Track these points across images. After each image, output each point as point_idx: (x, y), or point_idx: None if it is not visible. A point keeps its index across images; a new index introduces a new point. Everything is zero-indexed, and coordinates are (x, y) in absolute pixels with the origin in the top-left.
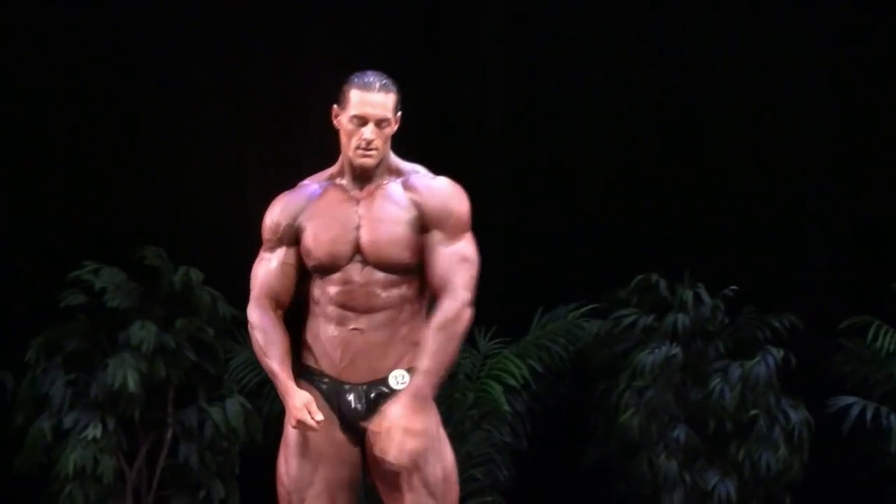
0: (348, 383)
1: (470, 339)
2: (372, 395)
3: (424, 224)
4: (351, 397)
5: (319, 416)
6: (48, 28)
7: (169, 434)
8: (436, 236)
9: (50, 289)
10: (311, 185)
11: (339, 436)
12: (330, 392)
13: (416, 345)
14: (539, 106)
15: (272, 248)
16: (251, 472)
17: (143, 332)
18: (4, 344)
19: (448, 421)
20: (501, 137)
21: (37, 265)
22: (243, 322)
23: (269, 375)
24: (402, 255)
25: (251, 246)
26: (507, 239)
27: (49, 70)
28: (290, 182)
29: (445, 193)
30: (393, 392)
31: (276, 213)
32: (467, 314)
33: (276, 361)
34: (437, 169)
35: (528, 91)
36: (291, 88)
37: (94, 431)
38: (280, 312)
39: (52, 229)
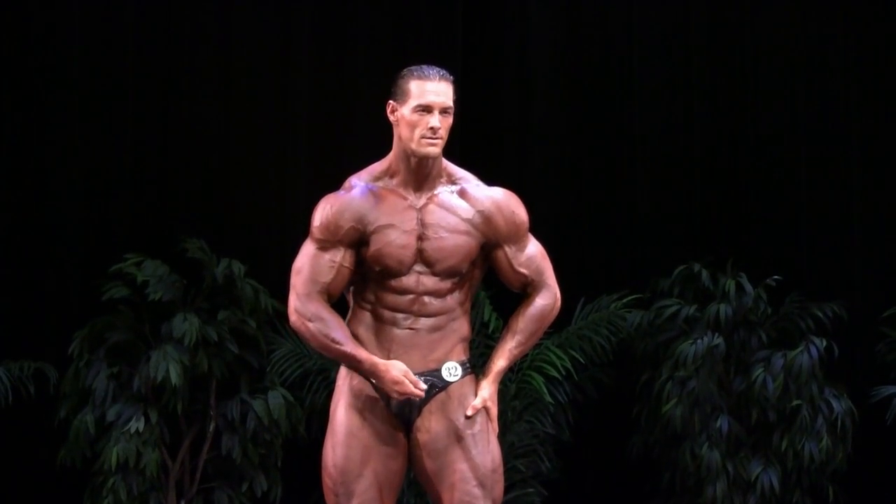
0: None
1: None
2: (423, 387)
3: (491, 239)
4: None
5: (423, 385)
6: (101, 28)
7: (211, 427)
8: (510, 249)
9: (93, 282)
10: (362, 185)
11: (388, 427)
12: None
13: (465, 339)
14: (583, 95)
15: (327, 248)
16: (294, 464)
17: (186, 325)
18: (48, 337)
19: None
20: (545, 129)
21: (80, 258)
22: (286, 315)
23: (345, 361)
24: (462, 264)
25: (293, 238)
26: (549, 229)
27: (98, 66)
28: (330, 175)
29: (509, 208)
30: (445, 383)
31: (335, 214)
32: (558, 305)
33: (349, 345)
34: (483, 161)
35: (572, 81)
36: (334, 84)
37: (137, 424)
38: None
39: (95, 223)
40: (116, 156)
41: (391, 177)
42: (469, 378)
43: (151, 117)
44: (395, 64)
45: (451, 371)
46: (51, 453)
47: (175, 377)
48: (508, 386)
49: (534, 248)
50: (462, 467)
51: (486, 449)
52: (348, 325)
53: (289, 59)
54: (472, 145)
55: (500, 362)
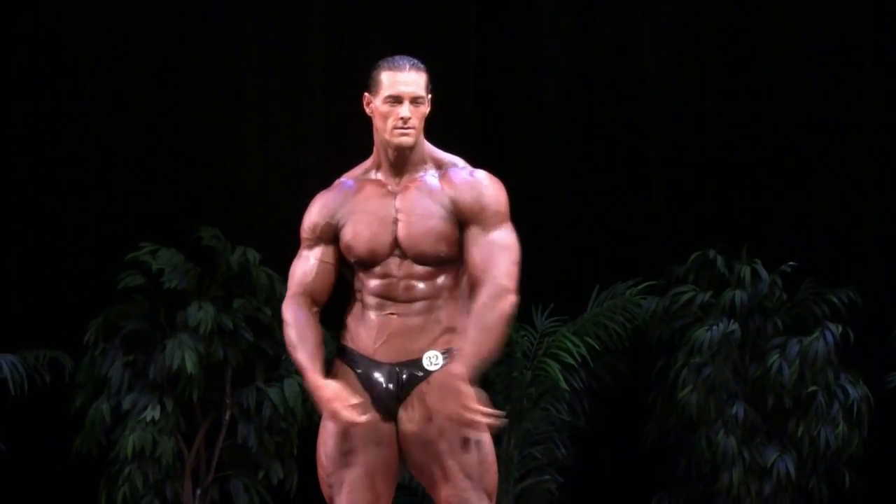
0: (381, 363)
1: (527, 317)
2: (404, 376)
3: (461, 219)
4: (383, 377)
5: (354, 401)
6: (115, 18)
7: (227, 415)
8: (473, 230)
9: (108, 270)
10: (347, 181)
11: (373, 416)
12: (363, 372)
13: (451, 329)
14: (596, 82)
15: (310, 247)
16: (310, 452)
17: (201, 313)
18: (63, 326)
19: (506, 399)
20: (559, 116)
21: (95, 247)
22: None
23: (299, 370)
24: (438, 247)
25: None
26: (564, 217)
27: (112, 56)
28: (343, 163)
29: (479, 188)
30: (426, 373)
31: (314, 213)
32: (508, 302)
33: (305, 356)
34: (498, 149)
35: (586, 68)
36: (346, 76)
37: (153, 413)
38: (316, 310)
39: (110, 211)
40: (131, 144)
41: (377, 169)
42: None
43: (166, 105)
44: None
45: (432, 360)
46: (66, 442)
47: (190, 365)
48: (524, 373)
49: (499, 236)
50: (447, 462)
51: (472, 441)
52: (344, 316)
53: (301, 52)
54: (482, 136)
55: (455, 363)
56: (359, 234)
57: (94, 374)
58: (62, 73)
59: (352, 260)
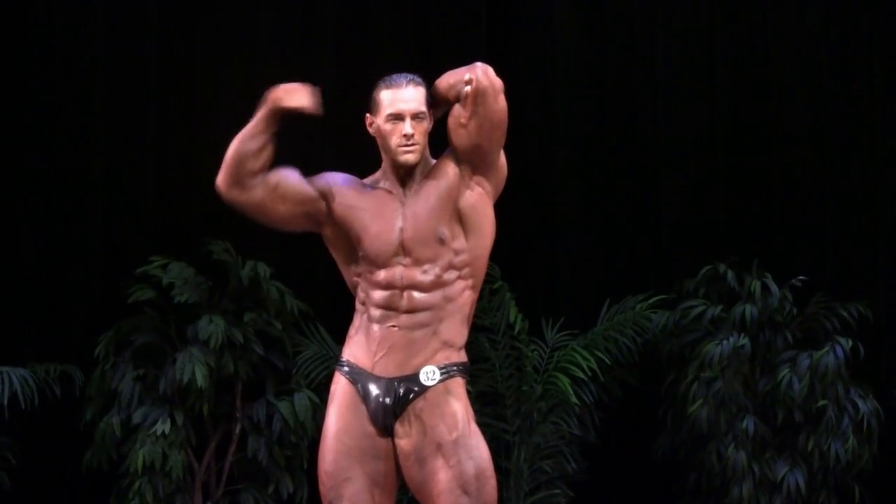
0: (379, 377)
1: (537, 331)
2: (401, 391)
3: (459, 156)
4: (380, 391)
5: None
6: (125, 30)
7: (237, 429)
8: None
9: (118, 284)
10: (366, 183)
11: (370, 429)
12: (361, 385)
13: (449, 345)
14: (607, 96)
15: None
16: None
17: (212, 327)
18: (74, 339)
19: (517, 413)
20: (570, 129)
21: (105, 261)
22: (311, 316)
23: (256, 121)
24: (439, 227)
25: (318, 240)
26: (574, 231)
27: (122, 69)
28: (353, 174)
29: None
30: (422, 388)
31: (332, 173)
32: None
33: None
34: (507, 162)
35: (596, 80)
36: (357, 88)
37: (163, 426)
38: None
39: (121, 225)
40: (141, 158)
41: (385, 181)
42: (451, 382)
43: (176, 119)
44: (418, 68)
45: (430, 375)
46: (77, 456)
47: (201, 379)
48: (534, 387)
49: None
50: (444, 477)
51: (468, 455)
52: (348, 331)
53: (312, 63)
54: None
55: None
56: (368, 229)
57: (104, 388)
58: (72, 84)
59: (360, 254)
